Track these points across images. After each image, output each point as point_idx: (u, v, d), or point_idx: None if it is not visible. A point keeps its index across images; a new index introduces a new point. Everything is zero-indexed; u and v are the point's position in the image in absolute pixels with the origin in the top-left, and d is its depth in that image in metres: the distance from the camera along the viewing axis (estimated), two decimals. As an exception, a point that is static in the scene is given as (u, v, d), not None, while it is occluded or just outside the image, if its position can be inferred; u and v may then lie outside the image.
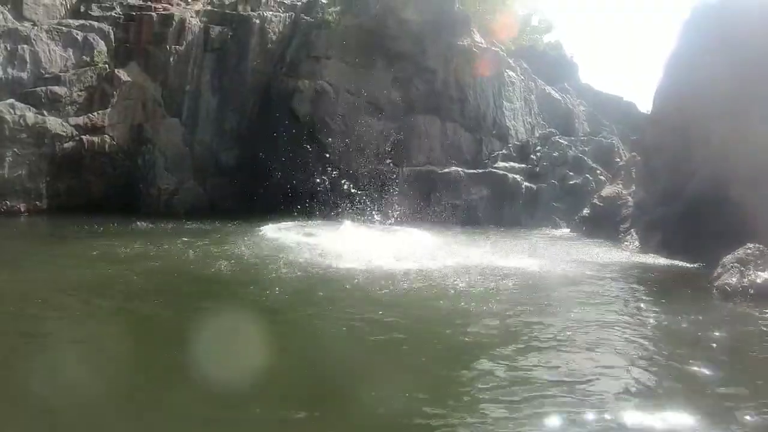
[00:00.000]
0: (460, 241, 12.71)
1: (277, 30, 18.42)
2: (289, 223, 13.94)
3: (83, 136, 15.58)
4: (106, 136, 15.98)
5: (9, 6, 15.58)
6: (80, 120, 15.64)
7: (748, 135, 10.81)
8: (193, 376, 4.61)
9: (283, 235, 12.11)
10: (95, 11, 17.17)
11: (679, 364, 5.28)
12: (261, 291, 7.49)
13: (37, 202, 15.03)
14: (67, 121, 15.43)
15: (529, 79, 22.56)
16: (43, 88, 15.31)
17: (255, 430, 3.99)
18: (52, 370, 4.74)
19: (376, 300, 7.10)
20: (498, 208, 17.22)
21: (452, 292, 7.65)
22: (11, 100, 14.75)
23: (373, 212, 15.46)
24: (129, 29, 17.15)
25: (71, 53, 16.05)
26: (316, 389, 4.65)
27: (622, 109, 25.95)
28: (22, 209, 14.73)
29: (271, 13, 18.67)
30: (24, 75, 15.27)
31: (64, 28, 16.18)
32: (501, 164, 18.35)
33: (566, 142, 19.17)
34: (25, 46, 15.34)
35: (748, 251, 8.61)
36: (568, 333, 6.03)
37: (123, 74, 16.42)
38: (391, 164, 17.72)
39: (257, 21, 18.13)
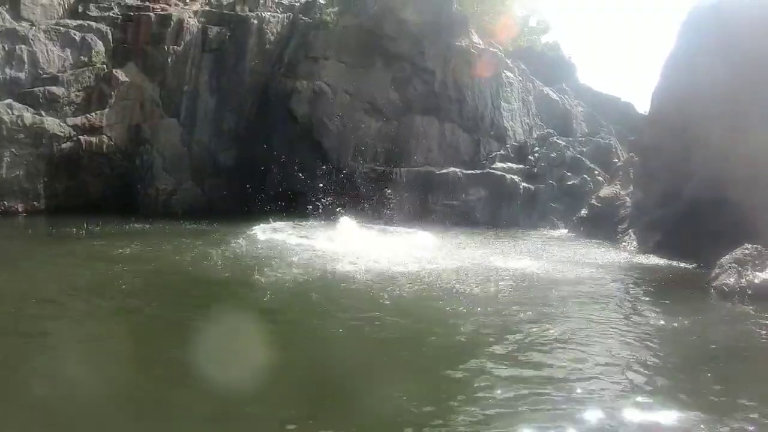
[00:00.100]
0: (458, 242, 12.72)
1: (275, 30, 18.42)
2: (286, 224, 13.94)
3: (81, 137, 15.56)
4: (104, 136, 15.97)
5: (7, 6, 15.55)
6: (78, 120, 15.62)
7: (746, 136, 10.84)
8: (193, 376, 4.61)
9: (279, 236, 12.10)
10: (93, 11, 17.14)
11: (676, 364, 5.30)
12: (260, 291, 7.48)
13: (34, 203, 15.00)
14: (65, 122, 15.41)
15: (527, 80, 22.60)
16: (41, 89, 15.29)
17: (255, 430, 3.99)
18: (51, 369, 4.74)
19: (375, 300, 7.10)
20: (496, 209, 17.25)
21: (451, 293, 7.66)
22: (9, 101, 14.73)
23: (371, 213, 15.47)
24: (127, 29, 17.14)
25: (69, 53, 16.03)
26: (317, 389, 4.65)
27: (620, 110, 26.01)
28: (20, 210, 14.71)
29: (269, 13, 18.67)
30: (22, 75, 15.24)
31: (61, 28, 16.15)
32: (499, 165, 18.38)
33: (564, 143, 19.21)
34: (23, 46, 15.32)
35: (746, 252, 8.66)
36: (567, 333, 6.05)
37: (121, 74, 16.41)
38: (389, 165, 17.74)
39: (255, 21, 18.13)
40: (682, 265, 10.64)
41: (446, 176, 17.34)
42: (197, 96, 17.44)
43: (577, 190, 17.34)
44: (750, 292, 7.99)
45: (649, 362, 5.32)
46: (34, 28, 15.71)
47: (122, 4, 17.67)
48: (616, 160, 18.32)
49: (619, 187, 15.54)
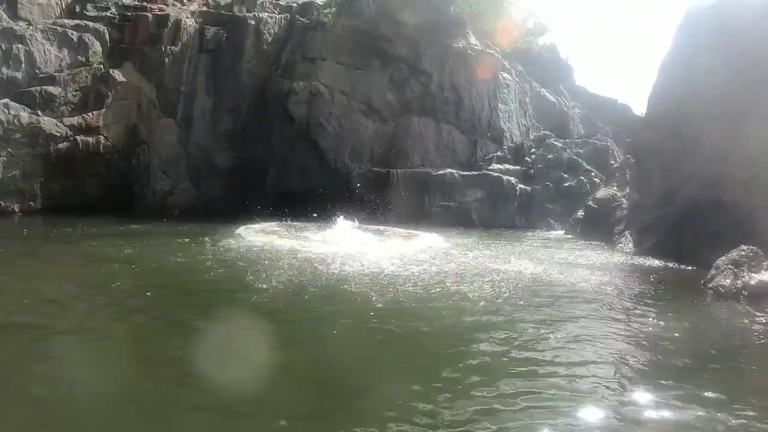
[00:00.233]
0: (456, 243, 12.74)
1: (272, 31, 18.43)
2: (283, 224, 13.93)
3: (78, 137, 15.54)
4: (101, 136, 15.95)
5: (4, 5, 15.54)
6: (75, 120, 15.61)
7: (746, 136, 10.85)
8: (193, 375, 4.61)
9: (272, 237, 12.09)
10: (90, 11, 17.14)
11: (673, 364, 5.33)
12: (260, 291, 7.48)
13: (31, 203, 14.98)
14: (62, 122, 15.39)
15: (524, 82, 22.66)
16: (38, 88, 15.28)
17: (255, 429, 3.99)
18: (50, 369, 4.73)
19: (375, 301, 7.11)
20: (492, 210, 17.29)
21: (450, 293, 7.69)
22: (5, 100, 14.72)
23: (368, 214, 15.48)
24: (124, 29, 17.14)
25: (66, 53, 16.02)
26: (317, 388, 4.66)
27: (617, 112, 26.13)
28: (17, 210, 14.69)
29: (266, 14, 18.68)
30: (18, 75, 15.23)
31: (59, 28, 16.14)
32: (496, 166, 18.43)
33: (561, 145, 19.27)
34: (20, 45, 15.30)
35: (742, 253, 8.70)
36: (565, 334, 6.08)
37: (118, 75, 16.40)
38: (386, 166, 17.76)
39: (252, 22, 18.13)
40: (678, 266, 10.68)
41: (443, 177, 17.37)
42: (194, 96, 17.44)
43: (574, 192, 17.39)
44: (746, 293, 8.05)
45: (645, 362, 5.36)
46: (31, 27, 15.69)
47: (119, 4, 17.68)
48: (613, 162, 18.38)
49: (615, 188, 15.58)
